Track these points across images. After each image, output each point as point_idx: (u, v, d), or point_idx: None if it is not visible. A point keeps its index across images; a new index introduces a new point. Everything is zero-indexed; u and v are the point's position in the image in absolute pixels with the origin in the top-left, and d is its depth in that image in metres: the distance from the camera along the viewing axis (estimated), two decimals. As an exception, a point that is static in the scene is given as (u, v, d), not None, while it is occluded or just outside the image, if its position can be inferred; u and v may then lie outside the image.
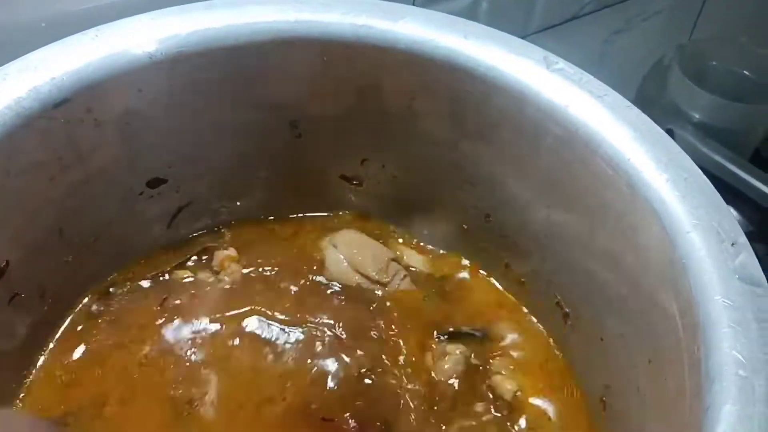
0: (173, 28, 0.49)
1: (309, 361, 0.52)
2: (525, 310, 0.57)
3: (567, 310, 0.54)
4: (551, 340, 0.56)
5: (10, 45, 0.47)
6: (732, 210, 0.57)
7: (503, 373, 0.53)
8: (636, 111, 0.46)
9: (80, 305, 0.54)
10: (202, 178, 0.57)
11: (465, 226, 0.59)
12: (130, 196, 0.54)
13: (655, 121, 0.46)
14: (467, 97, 0.51)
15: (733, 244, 0.39)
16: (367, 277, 0.57)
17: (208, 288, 0.56)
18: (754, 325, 0.35)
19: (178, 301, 0.55)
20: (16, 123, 0.44)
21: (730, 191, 0.65)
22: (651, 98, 0.89)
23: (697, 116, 0.90)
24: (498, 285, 0.59)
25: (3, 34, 0.54)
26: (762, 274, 0.38)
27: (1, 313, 0.47)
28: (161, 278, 0.56)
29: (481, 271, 0.60)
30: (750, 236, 0.56)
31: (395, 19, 0.51)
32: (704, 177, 0.42)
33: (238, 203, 0.60)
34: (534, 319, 0.57)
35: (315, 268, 0.58)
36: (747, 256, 0.38)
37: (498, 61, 0.49)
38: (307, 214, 0.63)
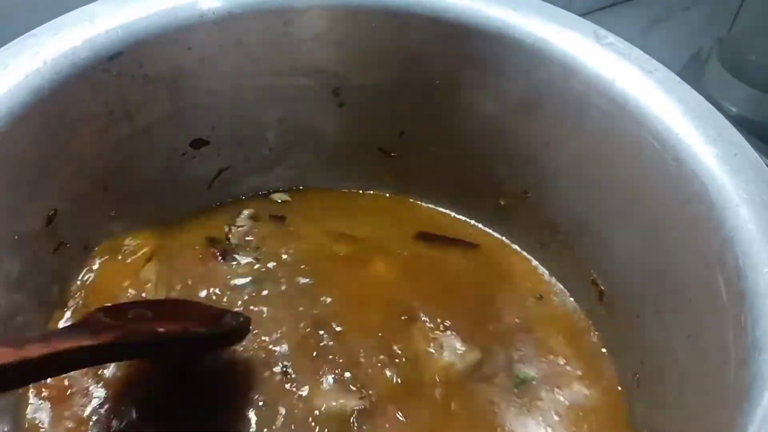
0: (225, -11, 0.50)
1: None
2: (560, 286, 0.57)
3: (602, 287, 0.54)
4: (585, 316, 0.55)
5: (66, -4, 0.48)
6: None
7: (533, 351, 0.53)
8: (686, 86, 0.46)
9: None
10: (244, 142, 0.58)
11: (502, 202, 0.59)
12: (174, 156, 0.55)
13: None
14: (514, 70, 0.51)
15: (783, 219, 0.38)
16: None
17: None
18: (802, 297, 0.35)
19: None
20: (72, 73, 0.44)
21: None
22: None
23: (734, 110, 0.89)
24: (533, 261, 0.59)
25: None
26: (811, 248, 0.37)
27: (46, 260, 0.48)
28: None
29: (516, 247, 0.60)
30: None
31: (443, -10, 0.51)
32: (755, 153, 0.42)
33: (275, 170, 0.61)
34: (569, 296, 0.57)
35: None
36: (796, 231, 0.38)
37: (547, 33, 0.49)
38: (342, 190, 0.63)
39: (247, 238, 0.57)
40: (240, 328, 0.49)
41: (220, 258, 0.55)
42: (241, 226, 0.58)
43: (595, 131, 0.49)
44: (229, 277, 0.54)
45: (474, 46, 0.51)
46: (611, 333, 0.53)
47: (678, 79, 0.46)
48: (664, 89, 0.45)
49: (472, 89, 0.54)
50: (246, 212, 0.59)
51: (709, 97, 0.46)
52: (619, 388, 0.51)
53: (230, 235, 0.57)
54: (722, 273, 0.39)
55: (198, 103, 0.53)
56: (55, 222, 0.47)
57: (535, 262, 0.59)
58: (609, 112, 0.47)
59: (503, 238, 0.61)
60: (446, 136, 0.59)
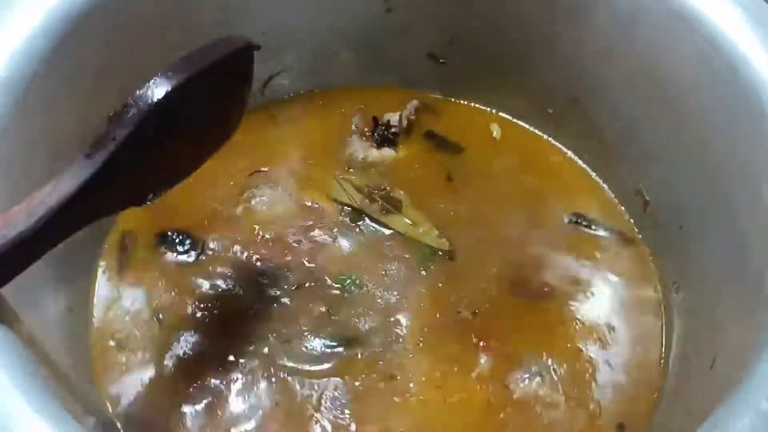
0: None
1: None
2: (610, 193, 0.57)
3: (648, 197, 0.54)
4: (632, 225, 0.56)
5: None
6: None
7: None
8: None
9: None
10: (294, 47, 0.59)
11: (550, 111, 0.59)
12: (225, 60, 0.56)
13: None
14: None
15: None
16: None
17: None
18: None
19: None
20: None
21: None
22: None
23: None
24: (584, 166, 0.59)
25: None
26: None
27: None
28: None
29: (567, 152, 0.60)
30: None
31: None
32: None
33: (326, 74, 0.61)
34: (617, 201, 0.57)
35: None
36: None
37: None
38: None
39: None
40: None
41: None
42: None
43: (648, 41, 0.48)
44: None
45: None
46: (655, 242, 0.54)
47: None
48: (722, -6, 0.44)
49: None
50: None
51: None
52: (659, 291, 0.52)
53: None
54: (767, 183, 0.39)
55: (249, 6, 0.54)
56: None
57: (585, 166, 0.59)
58: (662, 20, 0.46)
59: (556, 142, 0.60)
60: (496, 42, 0.58)
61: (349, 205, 0.55)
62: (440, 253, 0.52)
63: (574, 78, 0.56)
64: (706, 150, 0.46)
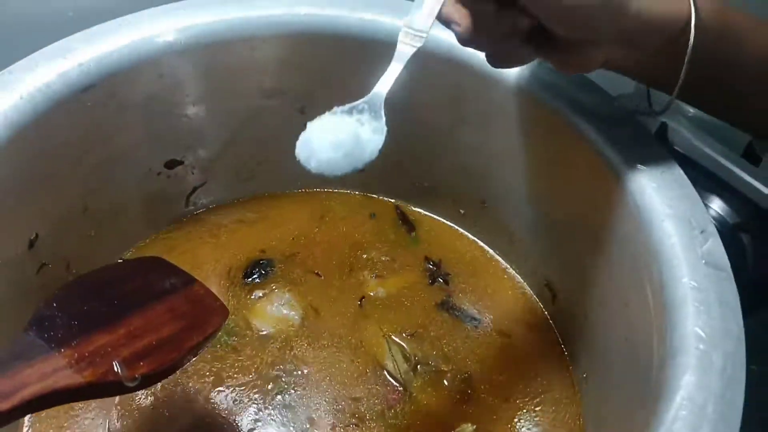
0: (192, 19, 0.53)
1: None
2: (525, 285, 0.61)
3: (555, 291, 0.57)
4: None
5: (40, 33, 0.51)
6: (721, 202, 0.61)
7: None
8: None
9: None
10: (216, 160, 0.61)
11: (462, 211, 0.63)
12: (150, 176, 0.58)
13: (650, 115, 0.49)
14: (466, 90, 0.54)
15: (702, 232, 0.42)
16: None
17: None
18: (716, 305, 0.39)
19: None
20: (48, 106, 0.47)
21: (721, 184, 0.67)
22: (647, 91, 0.92)
23: (691, 111, 0.92)
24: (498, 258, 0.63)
25: (33, 23, 0.58)
26: (726, 259, 0.41)
27: (29, 281, 0.51)
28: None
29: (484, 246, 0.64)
30: (738, 227, 0.60)
31: (402, 16, 0.54)
32: (679, 170, 0.45)
33: (249, 183, 0.64)
34: (530, 293, 0.61)
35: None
36: (714, 243, 0.41)
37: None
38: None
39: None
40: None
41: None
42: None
43: (541, 149, 0.53)
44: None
45: (430, 68, 0.54)
46: (562, 330, 0.57)
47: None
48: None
49: (431, 109, 0.57)
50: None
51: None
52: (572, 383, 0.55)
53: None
54: (650, 283, 0.43)
55: (171, 125, 0.56)
56: (36, 245, 0.50)
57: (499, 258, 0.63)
58: (549, 129, 0.51)
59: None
60: (408, 149, 0.62)
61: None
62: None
63: (479, 182, 0.60)
64: (604, 249, 0.50)
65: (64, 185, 0.52)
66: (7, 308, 0.48)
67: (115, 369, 0.36)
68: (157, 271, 0.46)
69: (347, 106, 0.39)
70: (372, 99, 0.39)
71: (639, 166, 0.45)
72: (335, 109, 0.40)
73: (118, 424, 0.50)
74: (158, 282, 0.44)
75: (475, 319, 0.58)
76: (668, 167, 0.45)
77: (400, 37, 0.39)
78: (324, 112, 0.60)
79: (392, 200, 0.66)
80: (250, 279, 0.59)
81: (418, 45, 0.38)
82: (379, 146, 0.38)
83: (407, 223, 0.65)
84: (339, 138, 0.38)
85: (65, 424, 0.50)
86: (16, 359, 0.35)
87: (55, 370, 0.35)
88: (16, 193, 0.48)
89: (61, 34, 0.50)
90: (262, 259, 0.61)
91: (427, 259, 0.62)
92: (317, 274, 0.60)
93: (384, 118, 0.39)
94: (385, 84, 0.39)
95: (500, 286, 0.61)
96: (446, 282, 0.60)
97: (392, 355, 0.55)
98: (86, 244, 0.55)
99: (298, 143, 0.39)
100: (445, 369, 0.54)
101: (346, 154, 0.38)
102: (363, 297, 0.59)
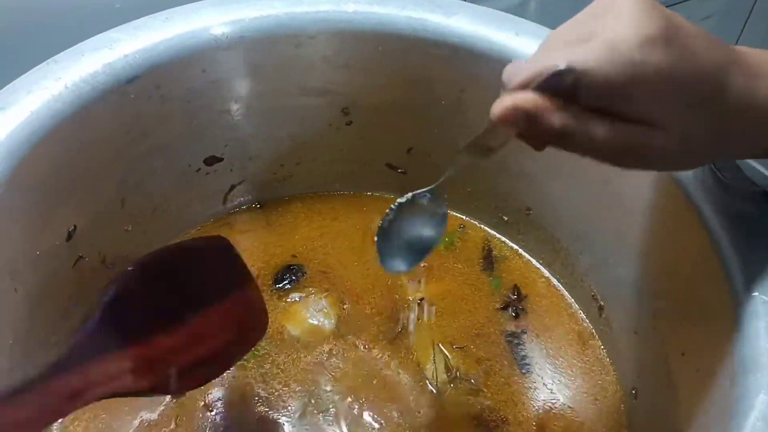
0: (237, 14, 0.52)
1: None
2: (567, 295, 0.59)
3: (602, 303, 0.55)
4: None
5: (87, 24, 0.50)
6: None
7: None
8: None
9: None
10: (255, 158, 0.60)
11: (505, 218, 0.61)
12: (188, 172, 0.57)
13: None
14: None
15: (773, 243, 0.40)
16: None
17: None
18: (789, 321, 0.37)
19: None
20: (92, 96, 0.46)
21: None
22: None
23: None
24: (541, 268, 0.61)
25: (81, 14, 0.57)
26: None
27: (65, 273, 0.50)
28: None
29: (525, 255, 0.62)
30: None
31: (449, 14, 0.53)
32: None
33: (287, 183, 0.63)
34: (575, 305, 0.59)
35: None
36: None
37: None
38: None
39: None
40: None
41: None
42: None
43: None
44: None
45: (477, 69, 0.53)
46: (611, 346, 0.55)
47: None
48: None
49: (477, 109, 0.56)
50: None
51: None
52: (619, 401, 0.52)
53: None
54: (717, 294, 0.40)
55: (211, 121, 0.55)
56: (74, 237, 0.49)
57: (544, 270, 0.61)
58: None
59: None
60: (453, 153, 0.60)
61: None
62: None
63: (526, 187, 0.58)
64: (657, 257, 0.48)
65: (103, 178, 0.51)
66: (43, 299, 0.47)
67: (170, 382, 0.35)
68: (220, 259, 0.44)
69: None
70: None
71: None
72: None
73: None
74: (220, 274, 0.43)
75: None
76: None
77: None
78: (368, 113, 0.59)
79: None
80: (280, 284, 0.58)
81: None
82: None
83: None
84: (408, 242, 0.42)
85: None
86: (83, 354, 0.33)
87: (121, 372, 0.34)
88: (57, 184, 0.47)
89: (107, 25, 0.49)
90: (292, 265, 0.59)
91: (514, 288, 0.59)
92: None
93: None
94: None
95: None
96: (517, 315, 0.58)
97: (434, 363, 0.53)
98: (122, 239, 0.54)
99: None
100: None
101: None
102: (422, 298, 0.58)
